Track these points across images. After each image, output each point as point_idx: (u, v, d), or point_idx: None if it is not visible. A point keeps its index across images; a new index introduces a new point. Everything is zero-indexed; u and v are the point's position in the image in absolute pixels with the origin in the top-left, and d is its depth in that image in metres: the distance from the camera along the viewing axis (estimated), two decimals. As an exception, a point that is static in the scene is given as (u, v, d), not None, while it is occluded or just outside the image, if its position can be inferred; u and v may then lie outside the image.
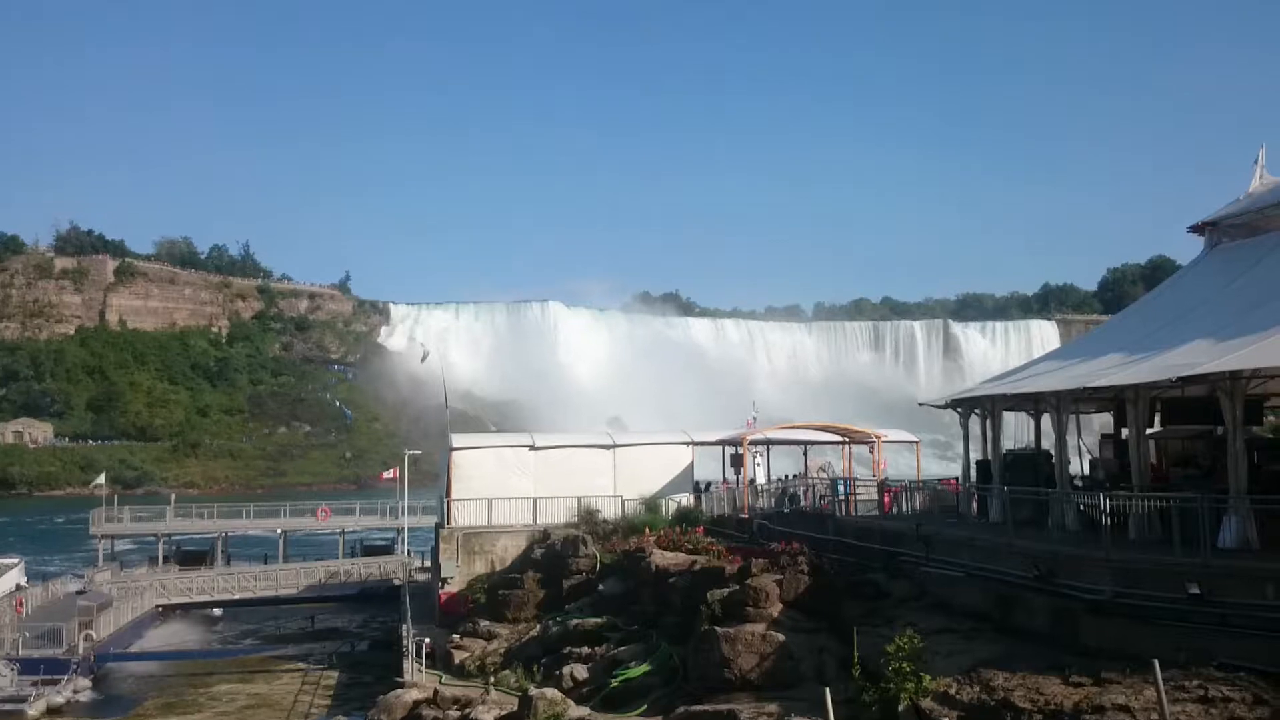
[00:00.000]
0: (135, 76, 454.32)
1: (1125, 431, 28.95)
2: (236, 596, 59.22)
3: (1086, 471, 32.60)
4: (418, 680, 34.82)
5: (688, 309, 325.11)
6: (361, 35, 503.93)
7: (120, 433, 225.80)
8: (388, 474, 73.36)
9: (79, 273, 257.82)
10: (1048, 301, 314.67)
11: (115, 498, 76.12)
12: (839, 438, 52.67)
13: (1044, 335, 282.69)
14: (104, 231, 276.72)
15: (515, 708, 28.05)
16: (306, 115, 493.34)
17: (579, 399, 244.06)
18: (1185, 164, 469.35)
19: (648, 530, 42.06)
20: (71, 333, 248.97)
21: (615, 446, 51.48)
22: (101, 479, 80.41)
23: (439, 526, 50.19)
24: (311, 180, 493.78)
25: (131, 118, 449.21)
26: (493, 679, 33.37)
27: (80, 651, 43.99)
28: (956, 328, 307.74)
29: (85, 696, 42.17)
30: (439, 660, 38.10)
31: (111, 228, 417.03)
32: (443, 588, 46.05)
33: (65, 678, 42.01)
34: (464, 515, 47.71)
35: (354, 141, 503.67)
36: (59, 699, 40.57)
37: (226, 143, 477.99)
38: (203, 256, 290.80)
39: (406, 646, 37.37)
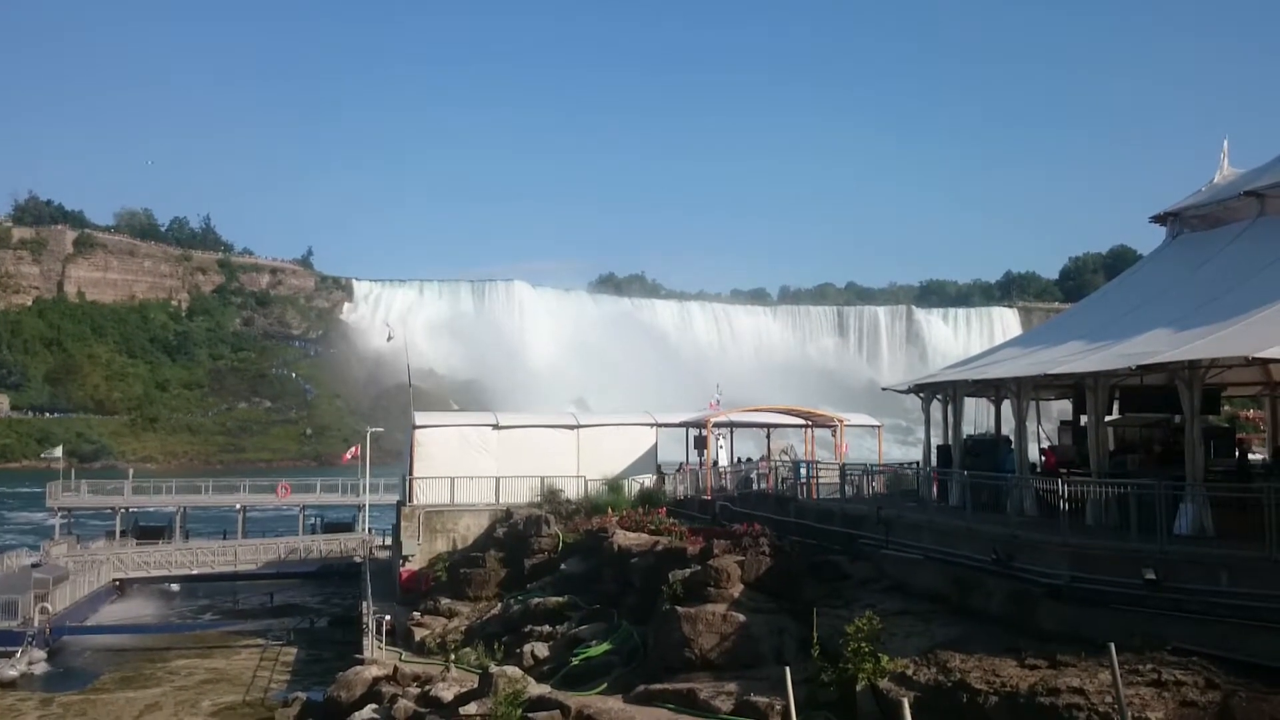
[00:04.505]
0: (97, 48, 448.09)
1: (1084, 418, 29.23)
2: (195, 572, 58.87)
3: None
4: (378, 657, 34.75)
5: (653, 291, 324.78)
6: (324, 9, 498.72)
7: (78, 406, 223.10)
8: (350, 454, 72.97)
9: (37, 243, 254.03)
10: (1009, 289, 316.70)
11: (72, 471, 75.31)
12: (802, 421, 52.88)
13: (1005, 322, 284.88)
14: (63, 202, 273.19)
15: (475, 685, 27.97)
16: (269, 88, 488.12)
17: (543, 379, 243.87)
18: (1148, 154, 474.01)
19: (610, 510, 42.06)
20: (29, 304, 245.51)
21: (579, 427, 51.50)
22: (57, 451, 79.51)
23: (401, 504, 50.10)
24: (274, 154, 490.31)
25: (92, 89, 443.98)
26: (453, 656, 33.28)
27: (36, 624, 43.56)
28: (919, 314, 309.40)
29: (40, 669, 41.88)
30: (399, 638, 38.03)
31: (71, 198, 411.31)
32: (404, 565, 45.98)
33: (20, 650, 41.73)
34: (426, 493, 47.59)
35: (317, 116, 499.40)
36: (13, 672, 40.26)
37: (189, 114, 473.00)
38: (163, 229, 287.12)
39: (366, 623, 37.23)
